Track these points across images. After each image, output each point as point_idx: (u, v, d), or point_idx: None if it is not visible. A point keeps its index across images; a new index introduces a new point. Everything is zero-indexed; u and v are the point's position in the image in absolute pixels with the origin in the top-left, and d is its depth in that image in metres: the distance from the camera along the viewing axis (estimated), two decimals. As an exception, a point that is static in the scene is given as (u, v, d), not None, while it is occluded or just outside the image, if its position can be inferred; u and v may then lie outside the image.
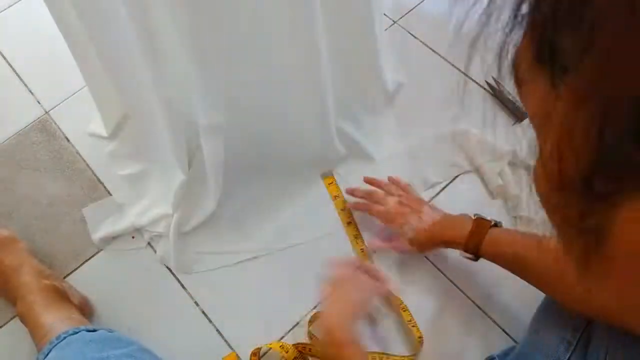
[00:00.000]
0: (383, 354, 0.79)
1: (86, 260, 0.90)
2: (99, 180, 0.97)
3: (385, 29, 1.09)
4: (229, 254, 0.89)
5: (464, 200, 0.92)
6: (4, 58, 1.11)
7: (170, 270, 0.89)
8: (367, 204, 0.87)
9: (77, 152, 1.00)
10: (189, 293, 0.87)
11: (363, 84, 0.97)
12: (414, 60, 1.05)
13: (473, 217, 0.77)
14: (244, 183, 0.93)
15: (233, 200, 0.92)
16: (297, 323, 0.83)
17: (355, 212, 0.91)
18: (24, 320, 0.77)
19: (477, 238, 0.73)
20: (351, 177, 0.95)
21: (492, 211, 0.90)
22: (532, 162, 0.23)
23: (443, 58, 1.05)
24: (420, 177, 0.94)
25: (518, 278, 0.72)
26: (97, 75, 0.87)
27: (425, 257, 0.87)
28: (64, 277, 0.88)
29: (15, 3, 1.18)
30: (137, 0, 0.63)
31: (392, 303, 0.83)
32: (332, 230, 0.91)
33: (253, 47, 0.74)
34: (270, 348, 0.80)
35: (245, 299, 0.86)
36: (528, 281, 0.71)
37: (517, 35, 0.20)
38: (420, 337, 0.79)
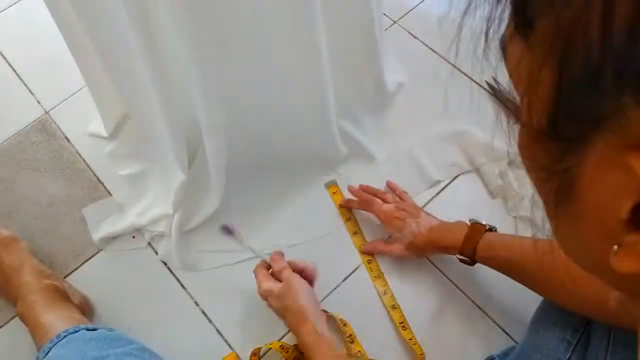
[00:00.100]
0: None
1: (86, 260, 0.90)
2: (99, 180, 0.97)
3: (385, 29, 1.09)
4: (230, 253, 0.89)
5: (464, 200, 0.92)
6: (4, 58, 1.11)
7: (170, 270, 0.89)
8: (367, 201, 0.88)
9: (77, 152, 1.00)
10: (189, 293, 0.87)
11: (363, 84, 0.97)
12: (414, 60, 1.05)
13: (468, 222, 0.77)
14: (245, 182, 0.93)
15: (234, 199, 0.92)
16: (297, 323, 0.83)
17: (357, 215, 0.91)
18: (24, 319, 0.77)
19: (472, 242, 0.74)
20: (352, 177, 0.95)
21: (492, 211, 0.90)
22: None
23: (443, 58, 1.05)
24: (421, 177, 0.94)
25: (518, 278, 0.72)
26: (97, 75, 0.87)
27: (426, 257, 0.87)
28: (64, 277, 0.88)
29: (15, 3, 1.18)
30: (137, 0, 0.63)
31: (392, 319, 0.82)
32: (332, 230, 0.90)
33: (253, 46, 0.74)
34: (270, 348, 0.80)
35: (245, 299, 0.86)
36: (524, 284, 0.71)
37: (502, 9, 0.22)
38: (421, 354, 0.79)
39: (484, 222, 0.76)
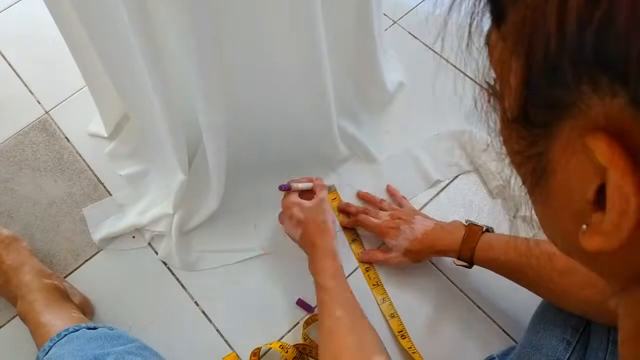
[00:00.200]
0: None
1: (86, 260, 0.90)
2: (99, 180, 0.97)
3: (385, 29, 1.09)
4: (230, 253, 0.89)
5: (464, 200, 0.92)
6: (4, 58, 1.11)
7: (171, 270, 0.89)
8: (359, 218, 0.88)
9: (77, 152, 1.00)
10: (189, 293, 0.87)
11: (363, 84, 0.97)
12: (414, 60, 1.05)
13: (465, 224, 0.77)
14: (245, 182, 0.93)
15: (235, 199, 0.92)
16: (297, 323, 0.83)
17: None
18: (24, 319, 0.77)
19: (469, 245, 0.74)
20: (352, 177, 0.95)
21: (492, 211, 0.90)
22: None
23: (443, 58, 1.04)
24: (421, 177, 0.94)
25: (518, 278, 0.72)
26: (97, 75, 0.87)
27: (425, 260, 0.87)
28: (64, 277, 0.88)
29: (15, 3, 1.18)
30: (137, 0, 0.63)
31: (391, 328, 0.82)
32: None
33: (253, 46, 0.74)
34: (270, 348, 0.80)
35: (245, 299, 0.86)
36: (523, 286, 0.71)
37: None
38: None
39: (480, 223, 0.76)
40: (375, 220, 0.85)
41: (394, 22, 1.11)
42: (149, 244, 0.90)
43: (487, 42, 0.24)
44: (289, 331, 0.83)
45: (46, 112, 1.04)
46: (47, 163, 0.99)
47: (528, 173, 0.25)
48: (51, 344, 0.69)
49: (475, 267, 0.76)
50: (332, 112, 0.87)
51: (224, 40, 0.71)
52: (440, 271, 0.86)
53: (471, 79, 0.26)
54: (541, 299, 0.72)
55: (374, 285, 0.85)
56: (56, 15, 0.77)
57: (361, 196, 0.92)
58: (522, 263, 0.69)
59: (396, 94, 1.02)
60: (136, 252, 0.90)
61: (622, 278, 0.25)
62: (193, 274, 0.88)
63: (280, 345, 0.79)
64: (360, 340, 0.66)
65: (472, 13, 0.24)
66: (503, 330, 0.81)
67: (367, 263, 0.87)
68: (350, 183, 0.94)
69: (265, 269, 0.88)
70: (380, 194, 0.93)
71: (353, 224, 0.89)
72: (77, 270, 0.89)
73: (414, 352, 0.79)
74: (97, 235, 0.90)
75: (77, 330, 0.71)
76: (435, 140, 0.97)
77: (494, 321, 0.82)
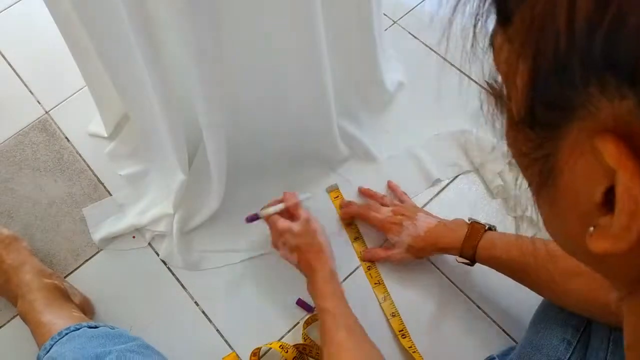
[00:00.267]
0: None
1: (86, 260, 0.90)
2: (99, 180, 0.97)
3: (385, 29, 1.09)
4: (233, 252, 0.89)
5: (464, 199, 0.92)
6: (4, 58, 1.11)
7: (171, 270, 0.89)
8: (361, 212, 0.88)
9: (77, 152, 1.00)
10: (189, 293, 0.87)
11: (363, 84, 0.97)
12: (414, 60, 1.05)
13: (468, 222, 0.77)
14: (245, 182, 0.93)
15: (235, 198, 0.92)
16: (297, 323, 0.83)
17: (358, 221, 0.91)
18: (25, 318, 0.77)
19: (472, 242, 0.74)
20: (353, 177, 0.95)
21: (493, 211, 0.90)
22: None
23: (443, 58, 1.04)
24: (421, 176, 0.94)
25: (518, 278, 0.72)
26: (97, 75, 0.87)
27: (426, 258, 0.87)
28: (64, 277, 0.88)
29: (15, 3, 1.18)
30: (137, 0, 0.63)
31: (391, 327, 0.82)
32: (333, 230, 0.90)
33: (253, 45, 0.74)
34: (270, 348, 0.80)
35: (245, 299, 0.86)
36: (525, 285, 0.71)
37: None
38: None
39: (483, 222, 0.76)
40: (378, 217, 0.85)
41: (394, 22, 1.11)
42: (149, 244, 0.90)
43: (492, 44, 0.24)
44: (289, 331, 0.83)
45: (46, 112, 1.04)
46: (47, 163, 0.99)
47: (535, 175, 0.25)
48: (52, 343, 0.69)
49: (475, 267, 0.76)
50: (332, 112, 0.87)
51: (224, 40, 0.71)
52: (441, 271, 0.86)
53: (474, 80, 0.26)
54: (542, 298, 0.72)
55: (375, 284, 0.85)
56: (56, 15, 0.77)
57: (363, 192, 0.92)
58: (524, 262, 0.69)
59: (396, 93, 1.02)
60: (136, 252, 0.90)
61: (629, 280, 0.25)
62: (193, 273, 0.88)
63: (280, 345, 0.79)
64: None
65: (477, 14, 0.23)
66: (503, 330, 0.81)
67: (369, 261, 0.87)
68: (351, 183, 0.94)
69: (265, 269, 0.88)
70: (380, 192, 0.93)
71: (355, 217, 0.89)
72: (77, 270, 0.89)
73: (415, 352, 0.79)
74: (97, 235, 0.90)
75: (78, 329, 0.71)
76: (435, 140, 0.97)
77: (494, 321, 0.82)
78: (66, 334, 0.70)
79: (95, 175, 0.97)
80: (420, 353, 0.79)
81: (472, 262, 0.75)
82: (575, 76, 0.19)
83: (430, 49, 1.07)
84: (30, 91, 1.07)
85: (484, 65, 0.25)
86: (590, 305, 0.62)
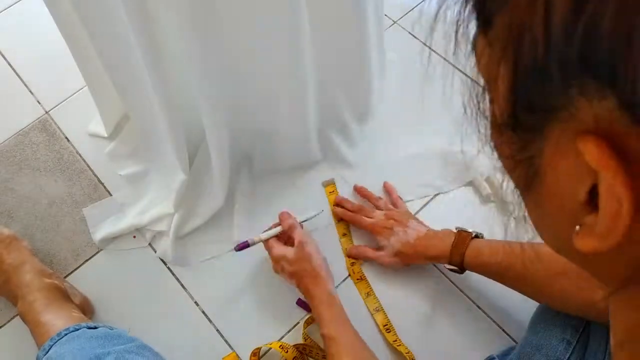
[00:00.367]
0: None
1: (86, 260, 0.90)
2: (99, 180, 0.97)
3: (385, 29, 1.09)
4: (221, 243, 0.89)
5: (459, 204, 0.92)
6: (4, 58, 1.11)
7: (171, 271, 0.89)
8: (354, 216, 0.88)
9: (77, 152, 1.00)
10: (189, 293, 0.87)
11: (352, 88, 0.96)
12: (414, 60, 1.05)
13: (455, 231, 0.78)
14: (247, 181, 0.93)
15: (233, 198, 0.92)
16: (297, 323, 0.83)
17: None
18: (24, 318, 0.77)
19: (459, 250, 0.74)
20: (352, 179, 0.95)
21: (488, 215, 0.90)
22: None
23: (443, 58, 1.04)
24: (425, 178, 0.94)
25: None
26: (97, 75, 0.87)
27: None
28: (64, 277, 0.88)
29: (15, 3, 1.18)
30: (137, 0, 0.63)
31: (376, 323, 0.82)
32: (326, 223, 0.90)
33: (253, 44, 0.74)
34: (270, 348, 0.80)
35: (246, 299, 0.86)
36: (514, 288, 0.72)
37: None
38: (408, 353, 0.79)
39: (470, 230, 0.77)
40: (369, 220, 0.86)
41: (394, 22, 1.11)
42: (149, 244, 0.90)
43: (474, 48, 0.24)
44: (289, 331, 0.83)
45: (46, 112, 1.04)
46: (47, 163, 0.99)
47: (520, 177, 0.25)
48: (51, 343, 0.69)
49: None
50: (310, 115, 0.87)
51: (224, 40, 0.71)
52: (440, 271, 0.86)
53: (471, 79, 0.26)
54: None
55: (358, 279, 0.86)
56: (56, 15, 0.77)
57: (358, 190, 0.92)
58: (511, 266, 0.69)
59: (385, 101, 1.00)
60: (136, 252, 0.90)
61: (617, 278, 0.25)
62: (193, 273, 0.88)
63: (280, 345, 0.79)
64: None
65: (458, 20, 0.24)
66: (503, 330, 0.81)
67: (355, 258, 0.87)
68: (345, 178, 0.94)
69: (265, 269, 0.88)
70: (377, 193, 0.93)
71: (347, 220, 0.89)
72: (77, 270, 0.89)
73: (399, 345, 0.79)
74: (98, 235, 0.90)
75: (78, 330, 0.71)
76: (414, 158, 0.96)
77: (494, 321, 0.82)
78: (65, 334, 0.70)
79: (95, 175, 0.97)
80: (405, 345, 0.79)
81: (461, 270, 0.76)
82: (554, 79, 0.19)
83: (431, 49, 1.07)
84: (30, 91, 1.07)
85: (467, 70, 0.25)
86: (578, 305, 0.63)
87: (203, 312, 0.85)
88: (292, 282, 0.78)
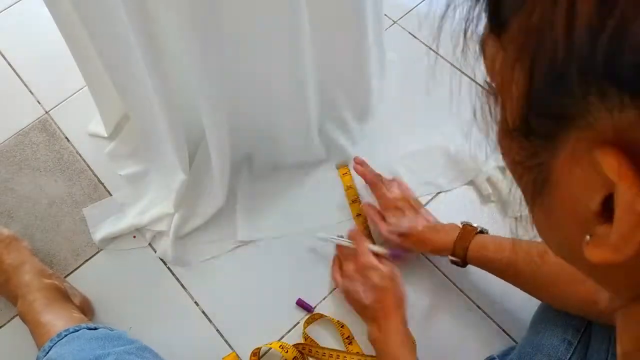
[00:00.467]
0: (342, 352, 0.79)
1: (86, 260, 0.90)
2: (99, 180, 0.97)
3: (385, 29, 1.09)
4: (225, 241, 0.89)
5: (462, 201, 0.92)
6: (4, 58, 1.11)
7: (171, 270, 0.89)
8: (375, 180, 0.87)
9: (77, 152, 1.00)
10: (189, 293, 0.87)
11: (351, 87, 0.96)
12: (414, 60, 1.05)
13: (460, 225, 0.78)
14: (246, 180, 0.94)
15: (233, 197, 0.92)
16: (297, 323, 0.83)
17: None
18: (24, 319, 0.77)
19: (463, 244, 0.74)
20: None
21: (490, 212, 0.90)
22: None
23: (443, 58, 1.04)
24: (426, 176, 0.94)
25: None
26: (97, 75, 0.87)
27: (425, 256, 0.87)
28: (64, 277, 0.88)
29: (15, 3, 1.18)
30: (137, 0, 0.63)
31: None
32: (341, 204, 0.91)
33: (253, 44, 0.74)
34: (270, 348, 0.80)
35: (246, 299, 0.86)
36: (515, 285, 0.72)
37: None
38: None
39: (475, 225, 0.77)
40: (387, 194, 0.85)
41: (394, 22, 1.11)
42: (150, 244, 0.90)
43: (483, 50, 0.24)
44: (289, 331, 0.83)
45: (46, 112, 1.04)
46: (47, 163, 0.99)
47: (529, 183, 0.24)
48: (51, 344, 0.69)
49: (475, 267, 0.76)
50: (310, 112, 0.87)
51: (224, 39, 0.71)
52: (440, 271, 0.86)
53: (472, 79, 0.26)
54: (541, 298, 0.72)
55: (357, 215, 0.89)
56: (56, 15, 0.77)
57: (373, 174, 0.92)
58: (513, 262, 0.69)
59: (385, 100, 1.01)
60: (136, 252, 0.90)
61: (627, 290, 0.25)
62: (193, 273, 0.88)
63: (280, 345, 0.79)
64: None
65: (467, 19, 0.23)
66: (503, 330, 0.81)
67: (365, 213, 0.88)
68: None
69: (265, 269, 0.88)
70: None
71: (368, 180, 0.89)
72: (77, 270, 0.89)
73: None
74: (98, 235, 0.90)
75: (78, 331, 0.71)
76: (416, 155, 0.96)
77: (494, 321, 0.82)
78: (65, 335, 0.70)
79: (95, 175, 0.97)
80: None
81: (463, 264, 0.76)
82: (573, 85, 0.19)
83: (431, 49, 1.07)
84: (30, 91, 1.07)
85: (476, 71, 0.25)
86: (581, 304, 0.62)
87: (203, 312, 0.85)
88: (369, 297, 0.75)
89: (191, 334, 0.84)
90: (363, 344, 0.80)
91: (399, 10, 1.12)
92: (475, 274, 0.84)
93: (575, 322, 0.65)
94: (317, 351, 0.79)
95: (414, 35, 1.09)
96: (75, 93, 1.06)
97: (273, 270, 0.87)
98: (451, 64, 0.24)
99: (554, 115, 0.20)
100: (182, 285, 0.87)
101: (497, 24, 0.22)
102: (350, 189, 0.93)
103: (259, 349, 0.79)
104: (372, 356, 0.78)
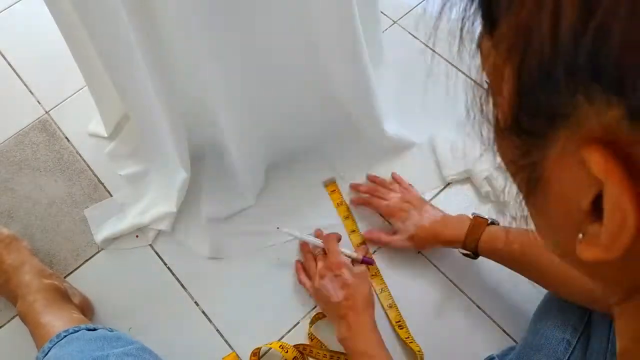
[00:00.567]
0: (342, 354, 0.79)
1: (86, 260, 0.90)
2: (99, 180, 0.97)
3: (385, 29, 1.09)
4: (263, 236, 0.90)
5: (465, 197, 0.92)
6: (4, 58, 1.11)
7: (171, 270, 0.89)
8: (369, 198, 0.88)
9: (77, 152, 1.00)
10: (189, 293, 0.87)
11: (357, 86, 0.96)
12: (413, 60, 1.05)
13: (470, 217, 0.78)
14: (255, 180, 0.94)
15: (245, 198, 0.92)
16: (297, 323, 0.83)
17: (356, 214, 0.91)
18: (24, 319, 0.77)
19: (474, 235, 0.74)
20: (352, 175, 0.95)
21: (493, 209, 0.90)
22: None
23: (443, 58, 1.04)
24: (426, 175, 0.94)
25: (518, 278, 0.72)
26: (97, 75, 0.87)
27: (425, 256, 0.87)
28: (64, 277, 0.88)
29: (15, 3, 1.18)
30: (137, 0, 0.63)
31: (388, 318, 0.82)
32: (334, 222, 0.91)
33: (253, 46, 0.74)
34: (270, 348, 0.80)
35: (246, 299, 0.86)
36: (528, 276, 0.71)
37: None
38: (419, 351, 0.79)
39: (486, 216, 0.76)
40: (385, 202, 0.86)
41: (394, 22, 1.11)
42: (150, 245, 0.90)
43: (479, 48, 0.24)
44: (289, 331, 0.83)
45: (46, 112, 1.04)
46: (47, 163, 0.99)
47: (523, 182, 0.25)
48: (51, 345, 0.69)
49: (475, 267, 0.76)
50: (317, 118, 0.88)
51: (240, 39, 0.71)
52: (440, 271, 0.86)
53: (472, 79, 0.26)
54: (542, 298, 0.72)
55: (372, 275, 0.85)
56: (56, 15, 0.77)
57: (371, 179, 0.92)
58: (525, 253, 0.69)
59: (396, 97, 1.01)
60: (136, 252, 0.90)
61: (620, 287, 0.25)
62: (193, 273, 0.88)
63: (280, 345, 0.79)
64: None
65: (463, 18, 0.23)
66: (503, 330, 0.81)
67: (371, 242, 0.87)
68: (345, 178, 0.94)
69: (265, 269, 0.88)
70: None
71: (363, 203, 0.89)
72: (77, 270, 0.89)
73: (411, 342, 0.79)
74: (100, 236, 0.90)
75: (77, 332, 0.71)
76: (434, 143, 0.96)
77: (494, 321, 0.82)
78: (65, 336, 0.70)
79: (95, 175, 0.97)
80: (417, 343, 0.79)
81: (475, 255, 0.76)
82: (560, 84, 0.19)
83: (431, 49, 1.07)
84: (30, 91, 1.07)
85: (472, 70, 0.25)
86: (593, 294, 0.62)
87: (203, 312, 0.85)
88: (339, 295, 0.75)
89: (191, 334, 0.84)
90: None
91: (399, 10, 1.12)
92: (476, 274, 0.84)
93: (575, 322, 0.66)
94: (317, 352, 0.79)
95: (414, 36, 1.09)
96: (75, 93, 1.06)
97: (274, 270, 0.87)
98: (449, 62, 0.24)
99: (543, 115, 0.21)
100: (182, 285, 0.87)
101: (489, 22, 0.22)
102: (340, 205, 0.92)
103: (259, 349, 0.79)
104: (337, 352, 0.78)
